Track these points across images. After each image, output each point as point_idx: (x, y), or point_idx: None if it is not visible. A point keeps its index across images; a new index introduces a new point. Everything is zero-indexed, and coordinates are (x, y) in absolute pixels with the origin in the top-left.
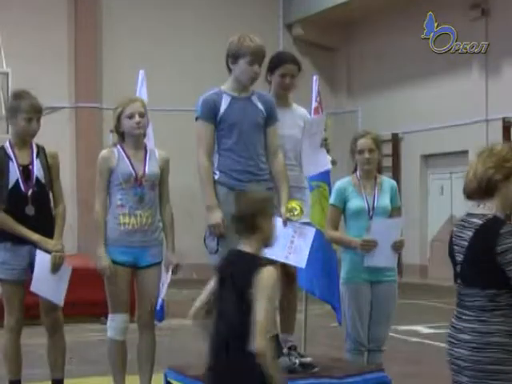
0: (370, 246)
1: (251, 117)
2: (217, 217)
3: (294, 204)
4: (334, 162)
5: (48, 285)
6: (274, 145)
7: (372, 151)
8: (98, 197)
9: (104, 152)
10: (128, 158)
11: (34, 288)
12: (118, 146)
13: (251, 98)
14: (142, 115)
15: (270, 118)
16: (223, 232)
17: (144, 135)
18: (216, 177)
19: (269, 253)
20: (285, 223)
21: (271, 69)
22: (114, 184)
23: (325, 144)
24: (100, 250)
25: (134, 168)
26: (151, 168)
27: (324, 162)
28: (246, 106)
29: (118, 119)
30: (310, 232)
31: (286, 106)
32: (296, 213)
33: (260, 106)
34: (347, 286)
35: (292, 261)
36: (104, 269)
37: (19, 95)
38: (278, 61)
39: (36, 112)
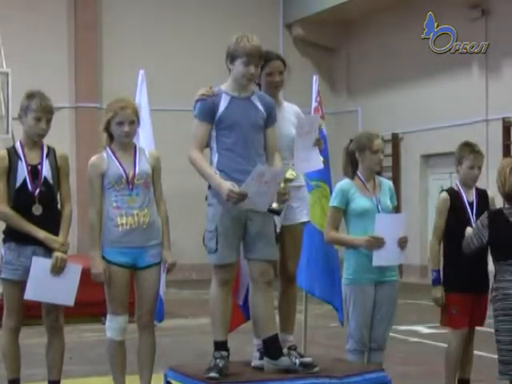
0: (377, 243)
1: (251, 117)
2: (227, 186)
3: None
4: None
5: (51, 288)
6: (272, 146)
7: (383, 152)
8: (92, 203)
9: (93, 159)
10: (117, 159)
11: (28, 296)
12: (108, 149)
13: (251, 99)
14: (132, 123)
15: (269, 119)
16: (237, 197)
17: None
18: None
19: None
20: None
21: None
22: (107, 187)
23: (318, 144)
24: (94, 256)
25: (124, 169)
26: (142, 167)
27: (317, 161)
28: (246, 106)
29: (108, 122)
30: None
31: (277, 105)
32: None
33: (260, 106)
34: (352, 287)
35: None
36: (99, 275)
37: (31, 95)
38: (263, 61)
39: (45, 112)
